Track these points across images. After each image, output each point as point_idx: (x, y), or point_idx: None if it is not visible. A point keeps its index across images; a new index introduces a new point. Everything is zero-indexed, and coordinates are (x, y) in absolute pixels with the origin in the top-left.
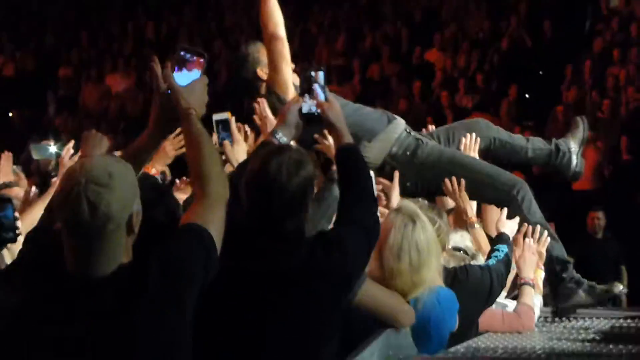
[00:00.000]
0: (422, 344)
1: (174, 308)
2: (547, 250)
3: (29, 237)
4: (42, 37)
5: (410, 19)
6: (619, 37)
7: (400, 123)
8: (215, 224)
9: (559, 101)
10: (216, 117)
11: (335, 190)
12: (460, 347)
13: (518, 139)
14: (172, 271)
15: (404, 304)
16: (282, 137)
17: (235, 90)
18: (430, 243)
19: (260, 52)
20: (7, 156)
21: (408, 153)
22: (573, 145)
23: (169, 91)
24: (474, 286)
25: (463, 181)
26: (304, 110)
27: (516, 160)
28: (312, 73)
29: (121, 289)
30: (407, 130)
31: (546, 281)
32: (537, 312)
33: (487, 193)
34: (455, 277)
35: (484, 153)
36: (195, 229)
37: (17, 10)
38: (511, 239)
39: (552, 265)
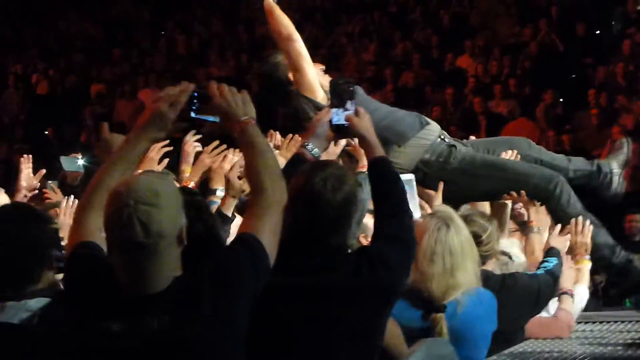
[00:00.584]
0: (465, 344)
1: (227, 318)
2: (592, 238)
3: (74, 255)
4: (71, 55)
5: (440, 26)
6: None
7: (434, 129)
8: (268, 233)
9: (589, 105)
10: None
11: (364, 194)
12: (505, 353)
13: (559, 159)
14: (222, 281)
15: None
16: (313, 149)
17: (267, 99)
18: (465, 246)
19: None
20: (26, 159)
21: (441, 160)
22: (615, 166)
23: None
24: (522, 293)
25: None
26: (334, 121)
27: None
28: (342, 85)
29: (178, 302)
30: (442, 137)
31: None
32: (582, 303)
33: (525, 190)
34: (504, 283)
35: None
36: (246, 239)
37: (46, 28)
38: (562, 254)
39: (600, 253)
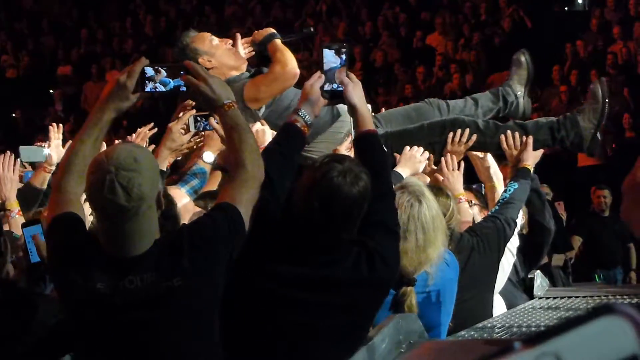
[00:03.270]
0: (442, 310)
1: (204, 271)
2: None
3: (56, 223)
4: (39, 37)
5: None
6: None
7: (347, 120)
8: (245, 203)
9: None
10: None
11: None
12: (474, 327)
13: (467, 108)
14: (199, 238)
15: None
16: (306, 116)
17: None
18: (436, 221)
19: (197, 41)
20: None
21: None
22: (518, 89)
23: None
24: (486, 242)
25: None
26: (327, 87)
27: None
28: (333, 48)
29: (160, 260)
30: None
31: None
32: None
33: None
34: (473, 236)
35: None
36: (223, 207)
37: (14, 10)
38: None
39: (540, 140)
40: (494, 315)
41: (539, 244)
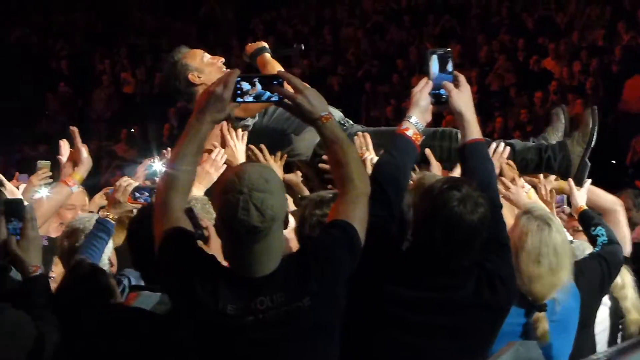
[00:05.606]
0: (565, 338)
1: (330, 292)
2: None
3: (169, 241)
4: (158, 54)
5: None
6: None
7: (334, 115)
8: (358, 220)
9: None
10: None
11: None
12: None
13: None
14: (324, 259)
15: None
16: (418, 123)
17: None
18: (565, 244)
19: (188, 57)
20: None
21: None
22: (554, 140)
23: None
24: (590, 278)
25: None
26: (433, 92)
27: None
28: (439, 54)
29: (289, 280)
30: (341, 122)
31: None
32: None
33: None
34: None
35: None
36: (341, 225)
37: (135, 27)
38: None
39: (527, 158)
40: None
41: None
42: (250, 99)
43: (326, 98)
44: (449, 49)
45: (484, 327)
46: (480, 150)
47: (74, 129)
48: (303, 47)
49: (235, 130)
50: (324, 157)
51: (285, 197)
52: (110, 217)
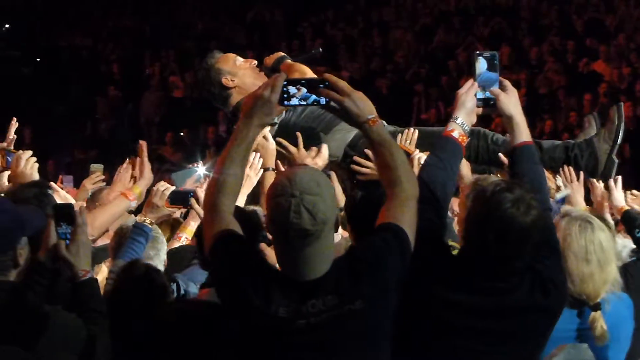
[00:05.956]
0: (611, 345)
1: (381, 299)
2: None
3: (221, 244)
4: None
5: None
6: None
7: None
8: (407, 223)
9: None
10: None
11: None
12: None
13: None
14: (375, 262)
15: None
16: (464, 124)
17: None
18: (610, 240)
19: (221, 61)
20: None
21: (364, 140)
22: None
23: (340, 104)
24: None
25: None
26: (479, 95)
27: None
28: (485, 56)
29: (341, 282)
30: None
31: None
32: None
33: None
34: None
35: None
36: (392, 228)
37: (183, 30)
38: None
39: (555, 157)
40: None
41: None
42: (297, 102)
43: (375, 101)
44: (495, 52)
45: (537, 331)
46: (530, 153)
47: (143, 143)
48: (321, 50)
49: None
50: (355, 157)
51: (335, 201)
52: (148, 221)
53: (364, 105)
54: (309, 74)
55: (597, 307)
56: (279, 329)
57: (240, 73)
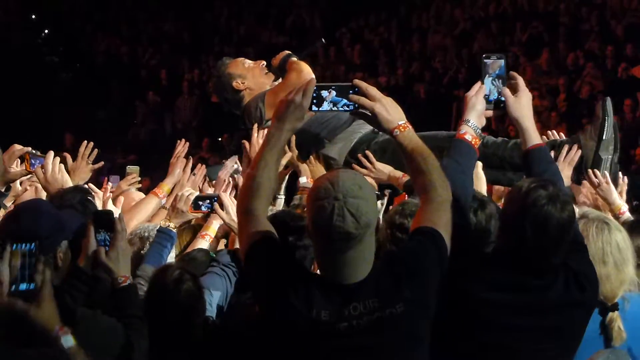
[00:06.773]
0: (632, 344)
1: (422, 302)
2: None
3: (258, 247)
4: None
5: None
6: None
7: (366, 125)
8: (443, 227)
9: None
10: None
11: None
12: None
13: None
14: (415, 267)
15: None
16: (475, 126)
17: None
18: (627, 240)
19: (231, 66)
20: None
21: (364, 147)
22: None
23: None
24: None
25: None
26: (489, 98)
27: None
28: (492, 60)
29: (381, 286)
30: (374, 131)
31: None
32: None
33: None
34: None
35: None
36: (430, 232)
37: (225, 35)
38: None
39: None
40: None
41: None
42: (327, 107)
43: (413, 105)
44: (503, 54)
45: (576, 326)
46: (544, 155)
47: (182, 142)
48: (324, 41)
49: (264, 130)
50: (359, 156)
51: (377, 204)
52: (172, 226)
53: (394, 110)
54: (306, 66)
55: (614, 307)
56: (320, 332)
57: (249, 75)
